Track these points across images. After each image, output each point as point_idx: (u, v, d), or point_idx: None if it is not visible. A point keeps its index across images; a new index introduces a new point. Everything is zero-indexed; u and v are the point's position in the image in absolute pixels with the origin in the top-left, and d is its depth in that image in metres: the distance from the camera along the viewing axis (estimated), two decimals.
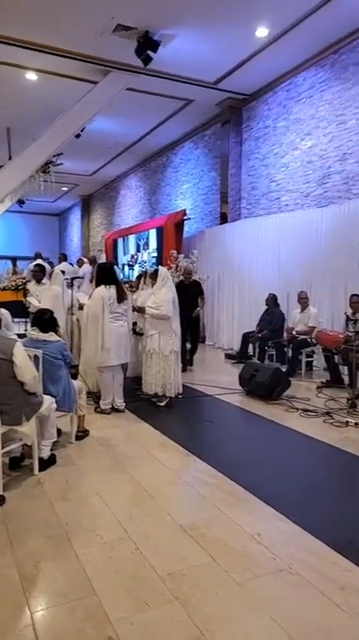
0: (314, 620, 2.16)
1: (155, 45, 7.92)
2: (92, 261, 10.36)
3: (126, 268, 15.18)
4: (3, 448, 3.41)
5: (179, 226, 12.08)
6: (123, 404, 5.46)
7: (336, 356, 6.63)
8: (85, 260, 11.38)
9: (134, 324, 6.07)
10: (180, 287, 7.46)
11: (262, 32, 7.93)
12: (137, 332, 6.16)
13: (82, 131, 10.34)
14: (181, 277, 8.79)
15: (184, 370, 7.26)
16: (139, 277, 7.51)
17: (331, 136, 8.52)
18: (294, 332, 7.61)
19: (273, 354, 8.21)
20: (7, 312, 4.76)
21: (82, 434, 4.51)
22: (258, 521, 3.03)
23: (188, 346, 8.31)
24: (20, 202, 14.26)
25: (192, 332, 8.29)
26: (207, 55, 8.68)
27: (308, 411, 5.51)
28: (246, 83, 9.89)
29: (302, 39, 8.11)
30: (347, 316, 6.40)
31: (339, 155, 8.37)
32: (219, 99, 10.63)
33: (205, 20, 7.53)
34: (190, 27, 7.77)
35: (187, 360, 8.01)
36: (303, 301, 7.70)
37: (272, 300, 8.31)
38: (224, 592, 2.33)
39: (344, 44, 8.13)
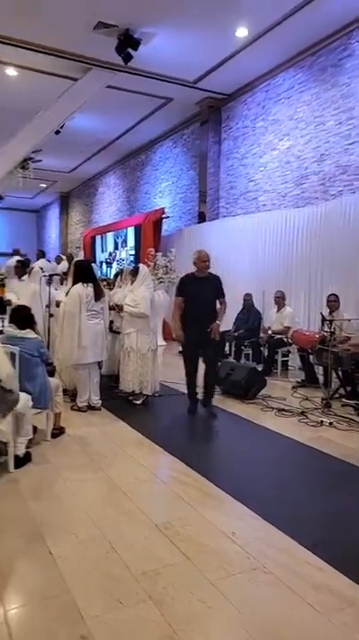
0: (287, 620, 2.17)
1: (135, 43, 7.87)
2: (70, 258, 10.29)
3: (104, 265, 15.10)
4: None
5: (158, 224, 12.05)
6: (100, 401, 5.43)
7: (311, 356, 6.72)
8: (63, 257, 11.30)
9: (111, 322, 6.04)
10: (193, 282, 5.47)
11: (242, 32, 7.97)
12: (114, 330, 6.13)
13: (61, 127, 10.25)
14: (193, 269, 5.66)
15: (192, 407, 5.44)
16: (116, 275, 7.36)
17: (308, 137, 8.61)
18: (270, 332, 7.68)
19: (249, 353, 8.27)
20: None
21: (57, 432, 4.48)
22: (232, 520, 3.04)
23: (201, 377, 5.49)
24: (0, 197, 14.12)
25: (207, 355, 5.43)
26: (187, 54, 8.68)
27: (284, 410, 5.56)
28: (225, 82, 9.92)
29: (281, 40, 8.17)
30: (323, 317, 6.48)
31: (316, 156, 8.46)
32: (199, 98, 10.65)
33: (186, 19, 7.52)
34: (171, 25, 7.75)
35: (202, 397, 5.51)
36: (279, 301, 7.76)
37: (249, 300, 8.37)
38: (198, 591, 2.33)
39: (322, 47, 8.22)
